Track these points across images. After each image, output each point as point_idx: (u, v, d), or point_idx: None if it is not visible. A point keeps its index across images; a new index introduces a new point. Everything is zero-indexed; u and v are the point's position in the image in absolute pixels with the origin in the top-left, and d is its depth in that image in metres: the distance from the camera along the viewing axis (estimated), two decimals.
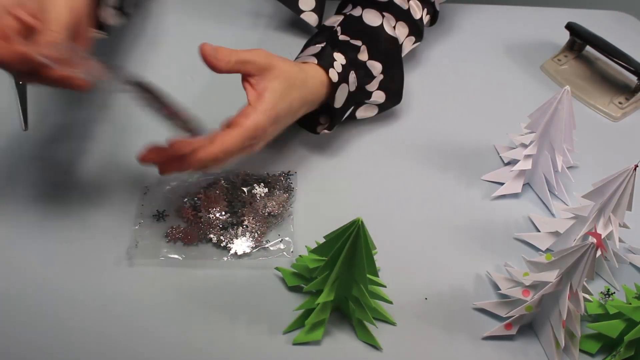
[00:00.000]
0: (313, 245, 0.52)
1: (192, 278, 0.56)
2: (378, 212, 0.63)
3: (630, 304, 0.52)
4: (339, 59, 0.63)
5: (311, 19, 0.78)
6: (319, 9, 0.78)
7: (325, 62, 0.61)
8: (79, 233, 0.59)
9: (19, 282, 0.55)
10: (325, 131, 0.65)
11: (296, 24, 0.79)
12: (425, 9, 0.74)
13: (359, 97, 0.66)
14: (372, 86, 0.67)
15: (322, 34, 0.67)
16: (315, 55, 0.62)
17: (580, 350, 0.54)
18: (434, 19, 0.77)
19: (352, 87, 0.64)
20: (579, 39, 0.81)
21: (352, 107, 0.66)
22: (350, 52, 0.64)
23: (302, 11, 0.78)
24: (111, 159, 0.65)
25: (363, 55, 0.66)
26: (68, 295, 0.54)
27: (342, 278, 0.50)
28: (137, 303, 0.54)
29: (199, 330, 0.53)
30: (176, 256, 0.57)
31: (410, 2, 0.72)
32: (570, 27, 0.82)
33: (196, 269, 0.57)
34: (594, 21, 0.84)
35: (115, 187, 0.62)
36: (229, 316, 0.54)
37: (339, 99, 0.62)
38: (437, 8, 0.77)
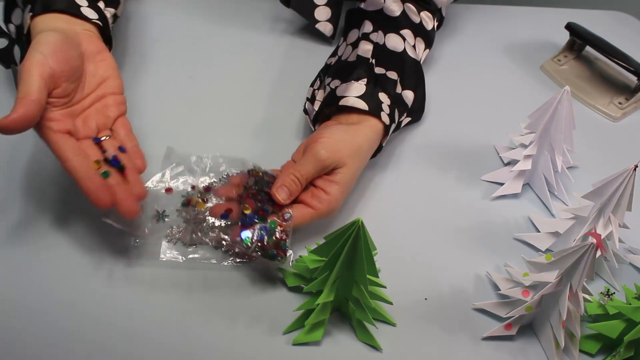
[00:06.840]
0: (313, 246, 0.52)
1: (192, 278, 0.56)
2: (378, 213, 0.63)
3: (630, 304, 0.52)
4: (385, 100, 0.63)
5: (326, 28, 0.78)
6: (334, 19, 0.78)
7: (374, 107, 0.62)
8: (78, 233, 0.59)
9: (18, 283, 0.55)
10: None
11: (314, 29, 0.79)
12: (435, 17, 0.74)
13: (396, 128, 0.67)
14: (404, 115, 0.69)
15: (360, 66, 0.66)
16: (363, 97, 0.62)
17: (580, 351, 0.54)
18: (439, 24, 0.77)
19: (396, 123, 0.65)
20: (579, 39, 0.81)
21: None
22: (390, 88, 0.65)
23: (318, 21, 0.78)
24: None
25: (398, 87, 0.66)
26: (67, 295, 0.54)
27: (342, 279, 0.50)
28: (137, 303, 0.54)
29: (199, 331, 0.53)
30: (176, 257, 0.57)
31: (421, 14, 0.71)
32: (570, 27, 0.82)
33: (196, 269, 0.57)
34: (594, 21, 0.84)
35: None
36: (229, 316, 0.54)
37: (388, 137, 0.64)
38: (443, 14, 0.77)
